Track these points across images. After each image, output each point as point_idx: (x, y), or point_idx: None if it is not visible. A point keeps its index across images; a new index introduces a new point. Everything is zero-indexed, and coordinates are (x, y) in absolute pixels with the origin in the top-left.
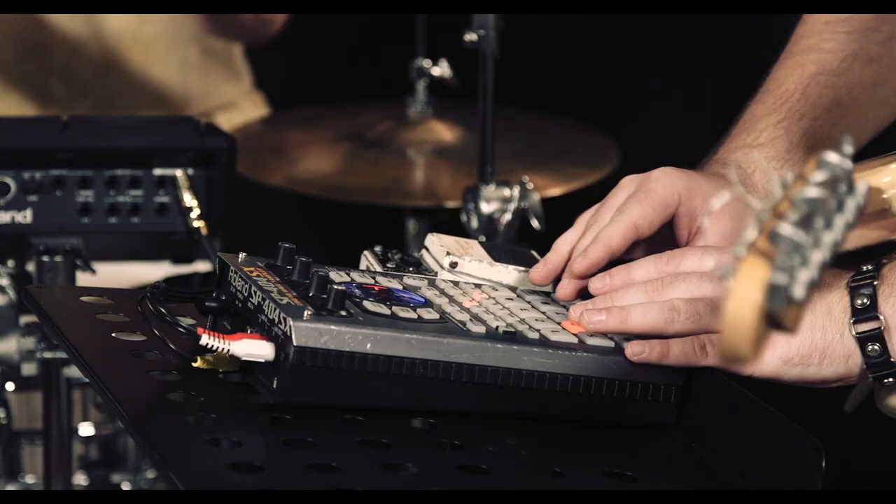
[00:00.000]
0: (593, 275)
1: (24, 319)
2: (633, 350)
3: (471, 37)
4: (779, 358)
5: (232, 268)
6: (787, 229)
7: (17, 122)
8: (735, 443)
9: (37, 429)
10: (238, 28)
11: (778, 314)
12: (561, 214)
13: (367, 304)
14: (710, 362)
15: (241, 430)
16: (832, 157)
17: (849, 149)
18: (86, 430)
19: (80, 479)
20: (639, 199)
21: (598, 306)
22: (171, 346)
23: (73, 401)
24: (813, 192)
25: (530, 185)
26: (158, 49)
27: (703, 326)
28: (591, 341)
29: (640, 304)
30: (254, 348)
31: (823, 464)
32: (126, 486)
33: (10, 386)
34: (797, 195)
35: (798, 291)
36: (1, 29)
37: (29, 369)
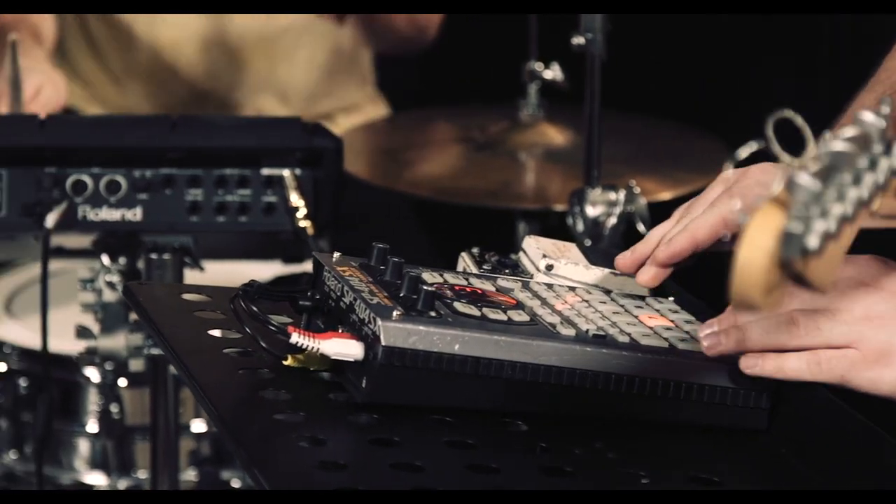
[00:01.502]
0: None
1: (133, 316)
2: (747, 363)
3: (578, 40)
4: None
5: (326, 267)
6: (804, 178)
7: (129, 120)
8: (821, 447)
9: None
10: (393, 36)
11: (795, 264)
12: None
13: (457, 305)
14: (824, 378)
15: (328, 428)
16: (868, 115)
17: (886, 109)
18: (198, 426)
19: (190, 475)
20: (732, 194)
21: (713, 329)
22: (263, 345)
23: (185, 398)
24: (839, 145)
25: (637, 189)
26: (285, 48)
27: (823, 341)
28: (681, 346)
29: (757, 322)
30: (343, 347)
31: None
32: (236, 484)
33: (122, 382)
34: (822, 148)
35: (812, 241)
36: (129, 29)
37: (136, 365)
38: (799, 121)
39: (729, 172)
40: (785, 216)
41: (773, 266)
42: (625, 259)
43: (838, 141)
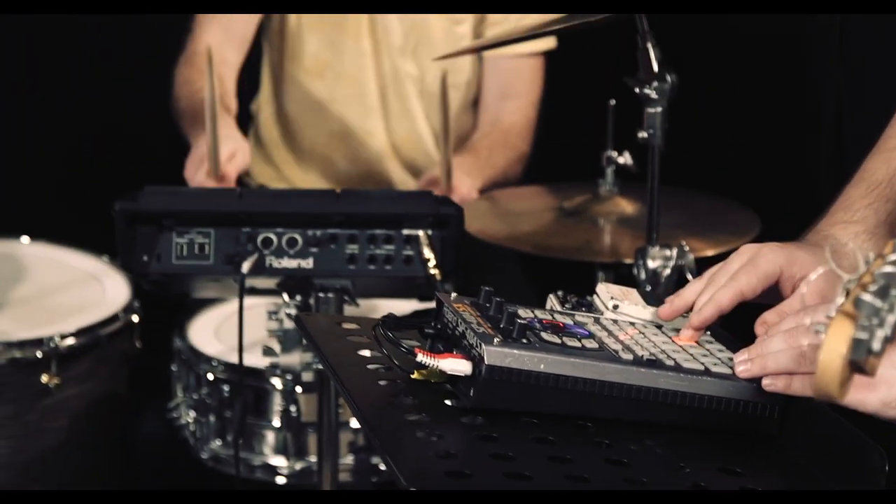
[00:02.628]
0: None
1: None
2: (766, 382)
3: (643, 134)
4: (879, 400)
5: (445, 304)
6: (868, 297)
7: (304, 193)
8: (819, 449)
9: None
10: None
11: (860, 362)
12: None
13: (544, 335)
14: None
15: (444, 426)
16: None
17: None
18: (354, 423)
19: (348, 460)
20: (747, 270)
21: (744, 357)
22: (396, 363)
23: (344, 401)
24: (889, 268)
25: (686, 248)
26: (425, 150)
27: None
28: (714, 369)
29: (775, 353)
30: (456, 365)
31: (887, 468)
32: (382, 467)
33: (298, 388)
34: (877, 270)
35: (876, 345)
36: (313, 120)
37: (307, 376)
38: (848, 258)
39: (746, 248)
40: (853, 326)
41: (846, 365)
42: (666, 310)
43: (888, 265)
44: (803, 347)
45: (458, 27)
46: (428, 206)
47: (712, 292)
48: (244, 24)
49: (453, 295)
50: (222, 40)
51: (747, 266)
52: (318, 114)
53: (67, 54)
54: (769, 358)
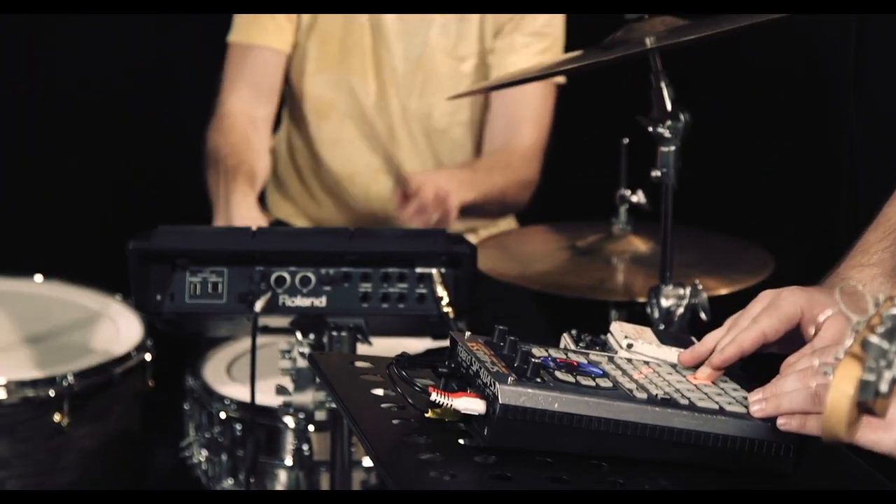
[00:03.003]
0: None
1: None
2: (781, 422)
3: (656, 173)
4: (894, 441)
5: (459, 343)
6: (875, 339)
7: (317, 231)
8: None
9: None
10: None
11: (868, 403)
12: (725, 310)
13: (558, 374)
14: None
15: (458, 465)
16: None
17: None
18: (367, 461)
19: None
20: (769, 313)
21: (759, 397)
22: (410, 401)
23: (357, 440)
24: None
25: (700, 287)
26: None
27: None
28: (729, 408)
29: (790, 393)
30: (470, 404)
31: None
32: None
33: (311, 427)
34: (885, 312)
35: (883, 387)
36: (323, 159)
37: (320, 415)
38: (858, 301)
39: (766, 293)
40: (861, 368)
41: (853, 406)
42: (686, 356)
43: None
44: (814, 388)
45: (463, 65)
46: (441, 244)
47: (735, 334)
48: (271, 76)
49: (467, 334)
50: (250, 97)
51: (769, 309)
52: (328, 153)
53: (86, 94)
54: (783, 398)
